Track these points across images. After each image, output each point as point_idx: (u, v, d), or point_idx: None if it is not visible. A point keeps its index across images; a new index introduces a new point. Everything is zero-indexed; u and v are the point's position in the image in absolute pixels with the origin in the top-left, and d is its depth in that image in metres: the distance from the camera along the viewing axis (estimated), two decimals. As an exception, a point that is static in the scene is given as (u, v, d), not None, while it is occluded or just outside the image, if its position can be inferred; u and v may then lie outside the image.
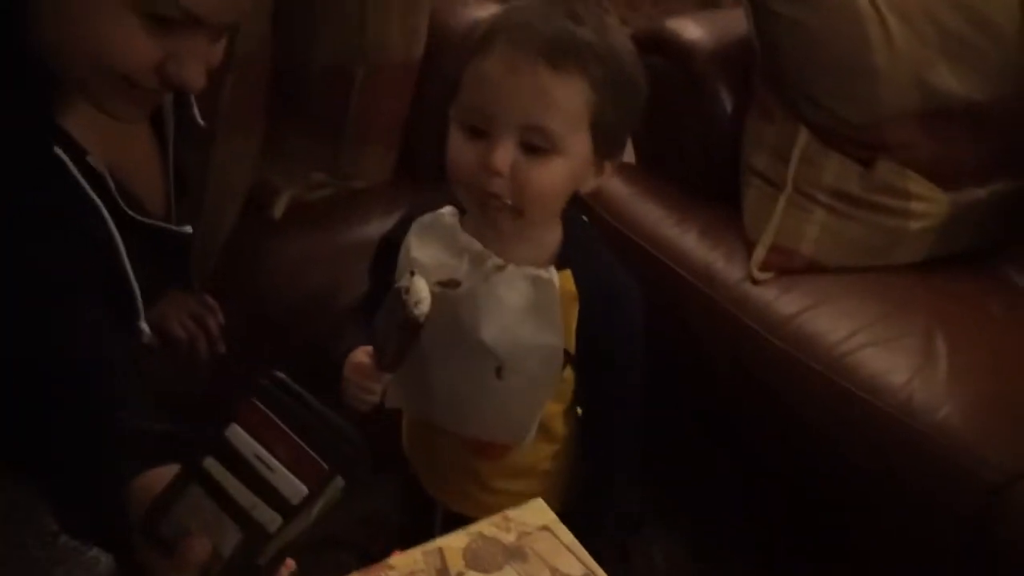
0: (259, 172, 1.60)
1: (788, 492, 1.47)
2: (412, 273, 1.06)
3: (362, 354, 1.09)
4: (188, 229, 1.19)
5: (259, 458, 0.75)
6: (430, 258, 1.11)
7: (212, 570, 0.77)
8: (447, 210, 1.13)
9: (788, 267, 1.56)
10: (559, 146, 1.02)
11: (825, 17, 1.58)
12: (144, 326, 1.15)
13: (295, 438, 0.74)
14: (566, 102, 1.01)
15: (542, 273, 1.08)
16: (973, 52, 1.62)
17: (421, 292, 1.03)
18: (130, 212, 1.10)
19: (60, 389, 0.97)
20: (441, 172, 1.68)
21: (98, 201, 1.06)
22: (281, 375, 0.75)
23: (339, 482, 0.75)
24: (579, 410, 1.20)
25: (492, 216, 1.05)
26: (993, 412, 1.35)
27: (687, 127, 1.72)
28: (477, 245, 1.09)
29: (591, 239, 1.16)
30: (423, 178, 1.69)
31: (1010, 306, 1.54)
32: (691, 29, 1.70)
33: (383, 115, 1.64)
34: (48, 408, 0.97)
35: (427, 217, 1.14)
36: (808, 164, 1.61)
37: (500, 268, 1.08)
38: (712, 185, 1.71)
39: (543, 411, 1.15)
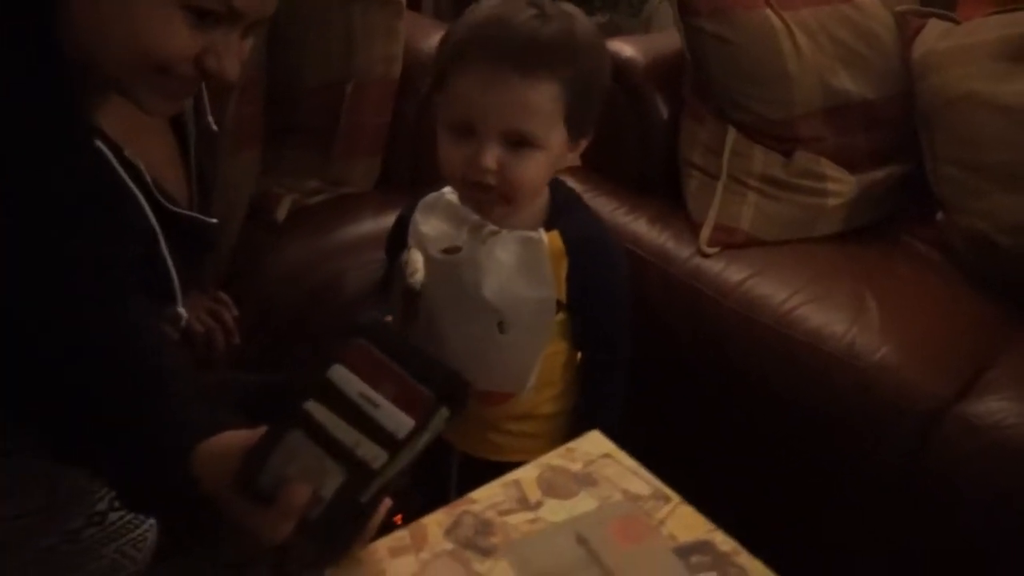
0: (261, 181, 1.51)
1: (743, 438, 1.42)
2: (409, 248, 1.03)
3: (387, 319, 1.05)
4: (215, 220, 1.09)
5: (363, 396, 0.64)
6: (434, 229, 1.07)
7: (313, 513, 0.66)
8: (447, 189, 1.09)
9: (731, 242, 1.54)
10: (538, 142, 0.98)
11: (745, 33, 1.57)
12: (182, 310, 1.05)
13: (400, 371, 0.64)
14: (540, 105, 0.97)
15: (532, 234, 1.05)
16: (863, 60, 1.63)
17: (416, 263, 1.00)
18: (165, 203, 0.99)
19: (115, 367, 0.86)
20: (417, 177, 1.66)
21: (138, 192, 0.95)
22: (375, 314, 0.65)
23: (444, 412, 0.65)
24: (579, 356, 1.15)
25: (484, 205, 1.03)
26: (923, 349, 1.33)
27: (628, 132, 1.68)
28: (474, 215, 1.05)
29: (574, 200, 1.12)
30: (403, 183, 1.64)
31: (915, 268, 1.53)
32: (627, 49, 1.67)
33: (368, 128, 1.58)
34: (106, 386, 0.85)
35: (430, 196, 1.10)
36: (738, 156, 1.59)
37: (495, 233, 1.04)
38: (653, 180, 1.69)
39: (540, 358, 1.10)
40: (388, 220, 1.55)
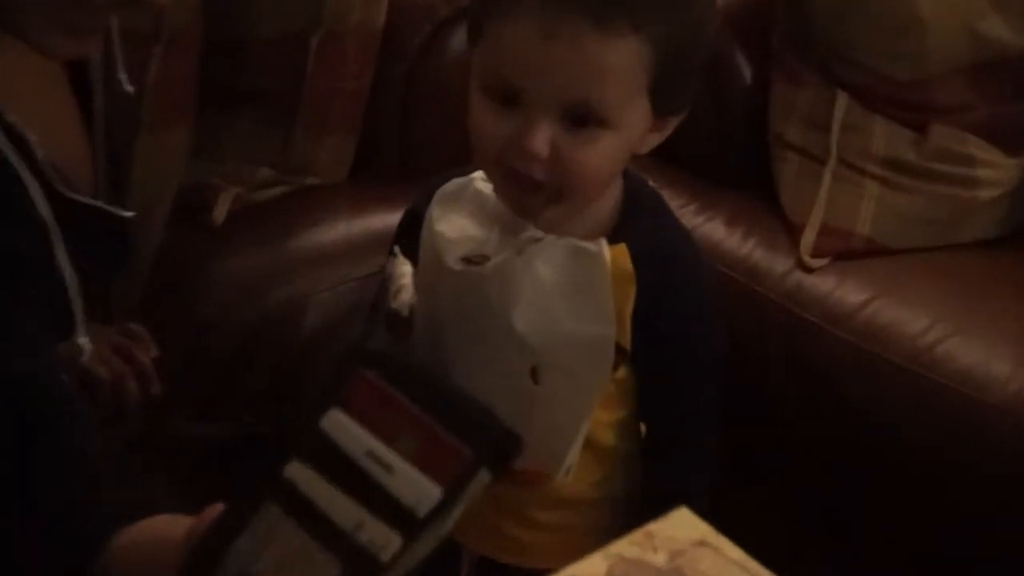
0: (195, 167, 1.50)
1: (866, 512, 1.43)
2: (394, 254, 1.01)
3: None
4: (129, 213, 1.07)
5: (371, 454, 0.61)
6: (454, 229, 1.03)
7: None
8: (477, 175, 1.05)
9: (844, 251, 1.53)
10: (610, 120, 0.96)
11: None
12: (84, 341, 1.03)
13: (424, 417, 0.61)
14: (618, 70, 0.94)
15: (589, 246, 1.00)
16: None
17: (402, 278, 0.98)
18: (62, 188, 0.97)
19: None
20: (407, 164, 1.65)
21: (25, 172, 0.93)
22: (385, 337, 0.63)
23: (484, 475, 0.62)
24: (642, 426, 1.11)
25: (525, 206, 1.00)
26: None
27: (699, 101, 1.65)
28: (512, 214, 1.02)
29: (656, 207, 1.09)
30: (387, 174, 1.64)
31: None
32: (696, -14, 1.65)
33: (342, 96, 1.57)
34: None
35: (452, 184, 1.06)
36: (852, 132, 1.58)
37: (537, 240, 1.01)
38: (734, 166, 1.68)
39: (588, 424, 1.07)
40: (366, 222, 1.57)
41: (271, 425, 1.32)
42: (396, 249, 1.02)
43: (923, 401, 1.36)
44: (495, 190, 1.03)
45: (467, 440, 0.61)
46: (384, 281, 0.98)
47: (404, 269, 0.98)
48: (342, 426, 0.61)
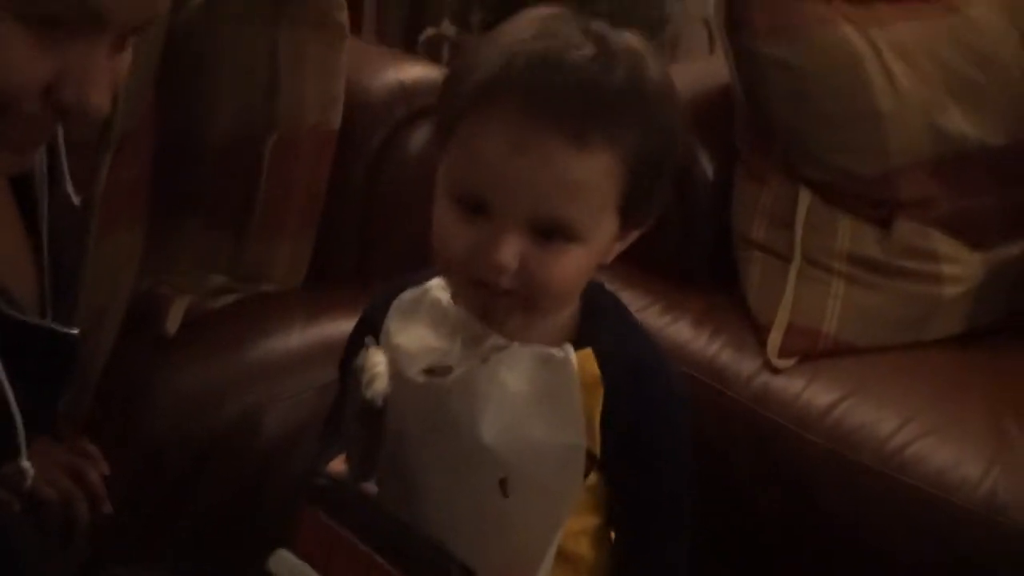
0: (145, 276, 1.48)
1: None
2: (367, 346, 0.97)
3: (338, 463, 0.97)
4: (75, 331, 1.05)
5: None
6: (414, 341, 1.02)
7: None
8: (435, 283, 1.05)
9: (811, 350, 1.53)
10: (579, 234, 0.95)
11: (819, 58, 1.58)
12: (27, 465, 1.01)
13: (376, 558, 0.59)
14: (589, 186, 0.93)
15: (556, 352, 1.00)
16: (980, 92, 1.65)
17: (375, 367, 0.94)
18: (5, 308, 0.96)
19: None
20: (364, 270, 1.64)
21: None
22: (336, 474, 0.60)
23: None
24: (612, 534, 1.09)
25: (493, 311, 0.99)
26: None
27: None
28: (474, 322, 1.01)
29: (617, 310, 1.09)
30: (344, 280, 1.62)
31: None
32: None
33: (297, 198, 1.55)
34: None
35: (408, 294, 1.06)
36: (816, 229, 1.59)
37: (502, 348, 1.00)
38: (697, 266, 1.69)
39: (560, 535, 1.04)
40: (322, 330, 1.54)
41: (214, 568, 1.29)
42: (370, 340, 1.00)
43: (896, 504, 1.35)
44: (455, 297, 1.02)
45: None
46: (354, 376, 0.94)
47: (378, 358, 0.94)
48: (288, 566, 0.59)
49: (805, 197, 1.59)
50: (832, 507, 1.40)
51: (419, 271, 1.08)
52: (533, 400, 1.00)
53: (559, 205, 0.93)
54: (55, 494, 1.20)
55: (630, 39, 0.98)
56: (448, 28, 2.92)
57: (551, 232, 0.94)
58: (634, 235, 1.03)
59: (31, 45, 0.81)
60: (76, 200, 1.09)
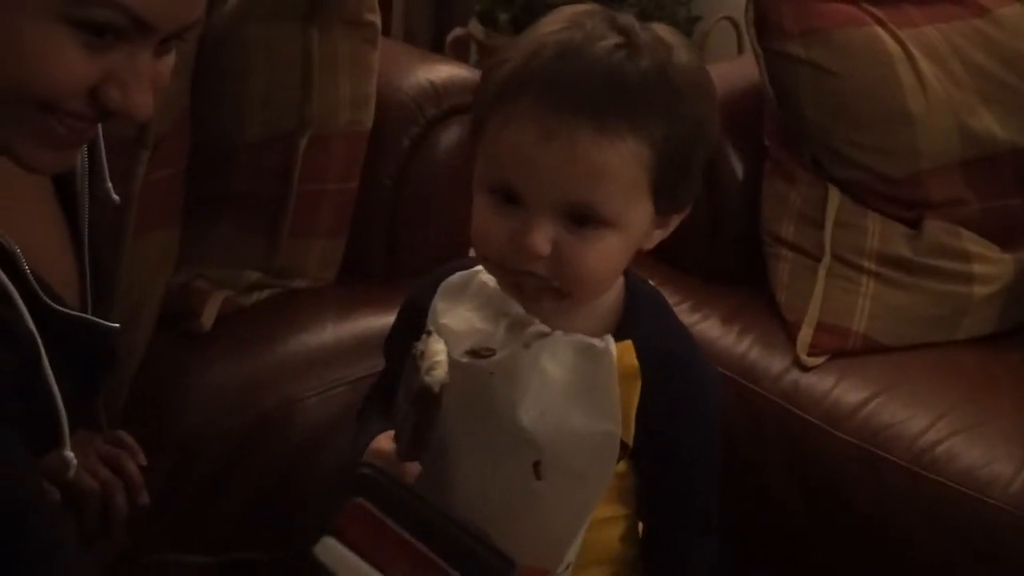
0: (181, 273, 1.50)
1: None
2: (429, 332, 1.00)
3: (385, 440, 1.00)
4: (115, 325, 1.07)
5: None
6: (460, 322, 1.05)
7: None
8: (480, 267, 1.07)
9: (842, 349, 1.54)
10: (612, 220, 0.97)
11: (850, 59, 1.59)
12: (70, 455, 1.02)
13: (420, 547, 0.60)
14: (618, 171, 0.95)
15: (596, 342, 1.02)
16: (1011, 93, 1.64)
17: (436, 355, 0.96)
18: (49, 301, 0.97)
19: None
20: (394, 266, 1.66)
21: (10, 286, 0.93)
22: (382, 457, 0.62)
23: None
24: (640, 526, 1.11)
25: (531, 298, 1.01)
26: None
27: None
28: (518, 308, 1.03)
29: (658, 305, 1.11)
30: (375, 276, 1.64)
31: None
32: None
33: (329, 198, 1.57)
34: None
35: (456, 277, 1.08)
36: (845, 228, 1.60)
37: (544, 335, 1.02)
38: (727, 264, 1.69)
39: (588, 520, 1.07)
40: (355, 325, 1.57)
41: (258, 552, 1.30)
42: (431, 328, 1.02)
43: (926, 502, 1.35)
44: (499, 284, 1.04)
45: (460, 567, 0.60)
46: (413, 360, 0.97)
47: (438, 347, 0.96)
48: (335, 554, 0.61)
49: (835, 196, 1.60)
50: (861, 504, 1.40)
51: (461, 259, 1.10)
52: (572, 388, 1.02)
53: (587, 190, 0.95)
54: (95, 484, 1.21)
55: (659, 30, 1.00)
56: (476, 28, 2.93)
57: (583, 218, 0.96)
58: (675, 221, 1.04)
59: (79, 48, 0.83)
60: (116, 198, 1.11)
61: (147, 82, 0.89)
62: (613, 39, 0.96)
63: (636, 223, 0.99)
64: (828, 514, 1.42)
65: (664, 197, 0.99)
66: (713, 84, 1.02)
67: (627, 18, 0.99)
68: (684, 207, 1.04)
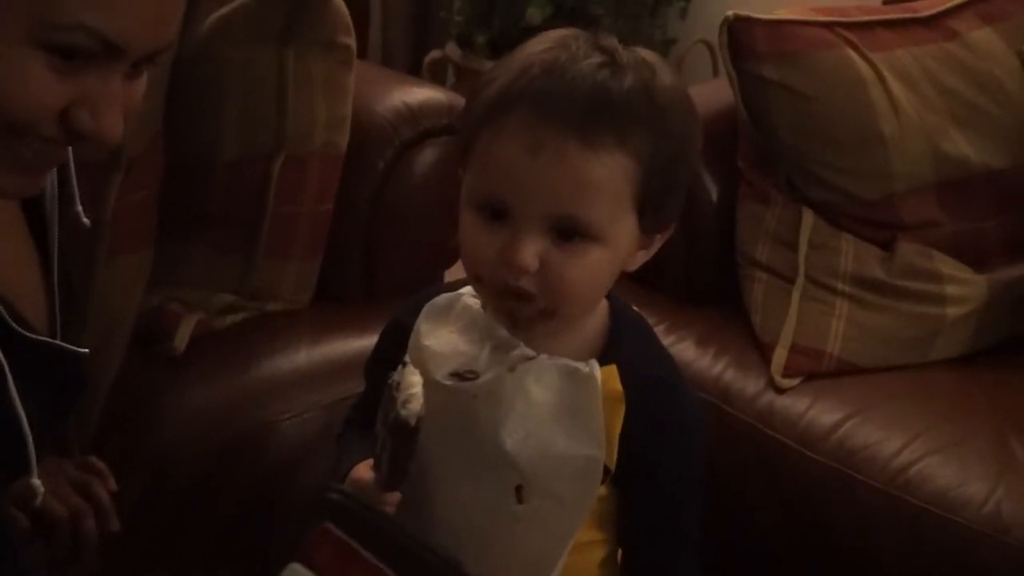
0: (153, 294, 1.49)
1: None
2: (404, 364, 1.00)
3: (364, 468, 1.00)
4: (84, 350, 1.06)
5: None
6: (443, 344, 1.05)
7: None
8: (467, 289, 1.08)
9: (816, 370, 1.54)
10: (598, 234, 0.98)
11: (823, 82, 1.60)
12: (37, 482, 1.02)
13: (389, 573, 0.59)
14: (604, 185, 0.97)
15: (581, 367, 1.02)
16: (983, 116, 1.66)
17: (412, 387, 0.96)
18: (16, 327, 0.96)
19: None
20: (371, 289, 1.65)
21: None
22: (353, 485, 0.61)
23: None
24: (619, 552, 1.11)
25: (518, 316, 1.02)
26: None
27: (665, 220, 1.69)
28: (502, 331, 1.03)
29: (642, 330, 1.11)
30: (350, 299, 1.64)
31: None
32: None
33: (304, 220, 1.56)
34: None
35: (442, 298, 1.09)
36: (819, 250, 1.60)
37: (529, 359, 1.02)
38: (702, 285, 1.70)
39: (571, 545, 1.06)
40: (330, 348, 1.56)
41: None
42: (407, 359, 1.02)
43: (901, 523, 1.35)
44: (485, 306, 1.05)
45: None
46: (389, 391, 0.97)
47: (414, 379, 0.97)
48: None
49: (808, 218, 1.60)
50: (837, 526, 1.40)
51: (446, 283, 1.10)
52: (556, 412, 1.02)
53: (574, 204, 0.96)
54: (64, 510, 1.20)
55: (642, 52, 1.02)
56: (453, 50, 2.94)
57: (570, 232, 0.97)
58: (658, 242, 1.06)
59: (49, 72, 0.83)
60: (86, 222, 1.10)
61: (118, 105, 0.88)
62: (598, 58, 0.98)
63: (621, 238, 1.00)
64: (806, 535, 1.42)
65: (649, 213, 1.00)
66: (695, 106, 1.04)
67: (610, 40, 1.01)
68: (667, 226, 1.05)
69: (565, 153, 0.95)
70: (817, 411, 1.47)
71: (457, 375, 1.03)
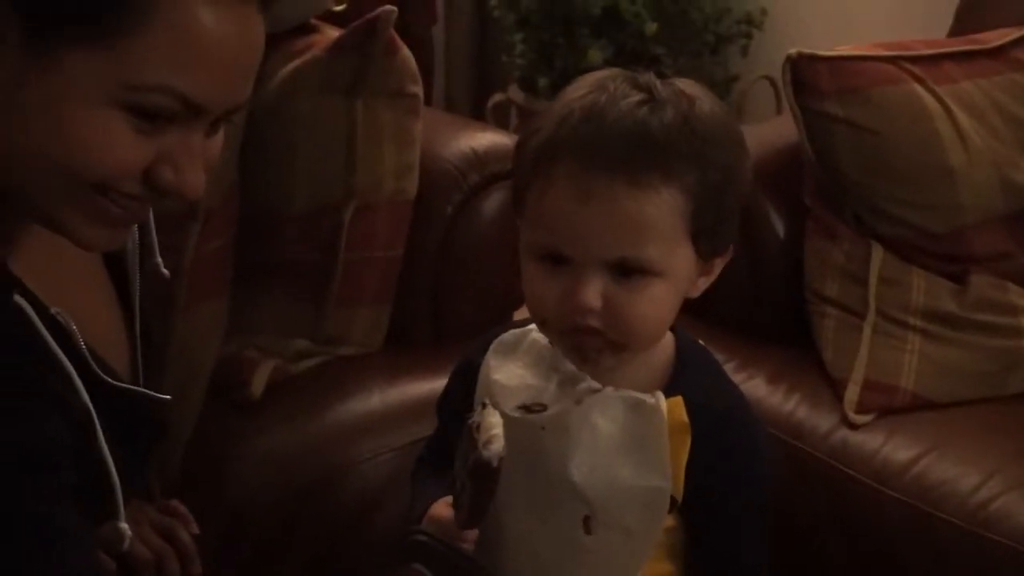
0: (230, 342, 1.52)
1: None
2: (484, 405, 1.01)
3: (442, 507, 1.02)
4: (167, 397, 1.08)
5: None
6: (512, 378, 1.07)
7: None
8: (534, 326, 1.09)
9: (890, 406, 1.52)
10: (657, 269, 1.00)
11: (888, 116, 1.60)
12: (124, 526, 1.03)
13: None
14: (656, 223, 0.99)
15: (647, 398, 1.03)
16: None
17: (492, 428, 0.98)
18: (103, 375, 0.99)
19: None
20: (440, 332, 1.66)
21: (66, 362, 0.95)
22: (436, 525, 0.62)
23: None
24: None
25: (589, 354, 1.03)
26: None
27: (734, 258, 1.67)
28: (569, 365, 1.05)
29: (707, 362, 1.12)
30: (421, 341, 1.65)
31: None
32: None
33: (375, 266, 1.58)
34: None
35: (509, 334, 1.11)
36: (890, 285, 1.59)
37: (595, 391, 1.04)
38: (772, 323, 1.69)
39: (640, 576, 1.08)
40: (403, 390, 1.57)
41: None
42: (487, 400, 1.03)
43: (980, 561, 1.33)
44: (556, 345, 1.06)
45: None
46: (469, 432, 0.99)
47: (494, 420, 0.98)
48: None
49: (878, 253, 1.60)
50: (913, 564, 1.38)
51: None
52: (623, 443, 1.03)
53: (629, 246, 0.98)
54: (149, 554, 1.22)
55: (681, 84, 1.03)
56: (516, 93, 2.96)
57: (629, 270, 0.99)
58: (719, 265, 1.06)
59: (132, 132, 0.86)
60: (165, 272, 1.13)
61: (199, 162, 0.91)
62: (636, 96, 0.99)
63: (680, 269, 1.01)
64: (879, 573, 1.40)
65: (704, 241, 1.02)
66: (739, 130, 1.05)
67: (648, 76, 1.02)
68: (725, 250, 1.06)
69: (614, 198, 0.97)
70: (892, 447, 1.45)
71: (525, 408, 1.04)
